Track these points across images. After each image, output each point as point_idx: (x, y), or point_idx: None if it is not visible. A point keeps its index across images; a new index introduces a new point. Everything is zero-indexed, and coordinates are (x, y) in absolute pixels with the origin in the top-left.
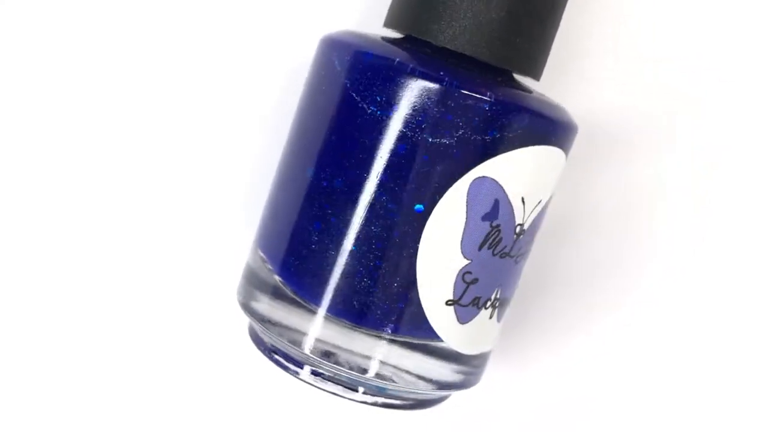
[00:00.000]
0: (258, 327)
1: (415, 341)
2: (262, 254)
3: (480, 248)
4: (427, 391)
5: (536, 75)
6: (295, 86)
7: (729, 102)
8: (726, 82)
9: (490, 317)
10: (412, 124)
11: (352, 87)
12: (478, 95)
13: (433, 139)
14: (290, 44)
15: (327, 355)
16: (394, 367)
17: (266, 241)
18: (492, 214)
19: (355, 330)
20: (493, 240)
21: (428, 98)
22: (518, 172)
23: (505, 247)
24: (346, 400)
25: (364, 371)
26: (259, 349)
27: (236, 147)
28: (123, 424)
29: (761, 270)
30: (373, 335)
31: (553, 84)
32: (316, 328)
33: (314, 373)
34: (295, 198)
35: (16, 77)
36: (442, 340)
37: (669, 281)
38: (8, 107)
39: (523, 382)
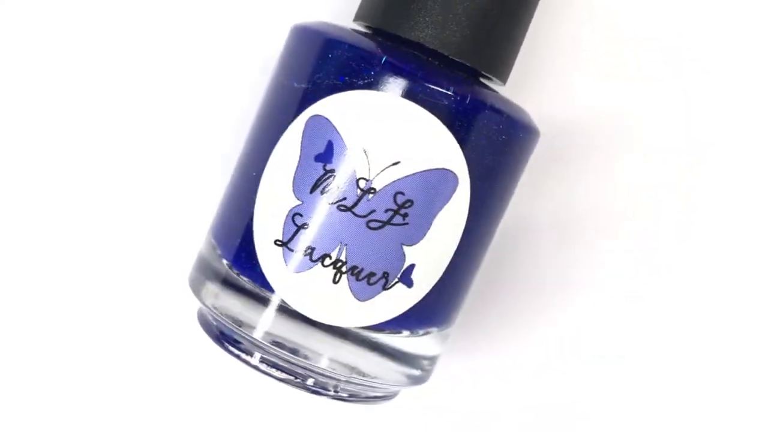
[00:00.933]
0: (208, 313)
1: (256, 291)
2: (213, 242)
3: (312, 191)
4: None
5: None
6: (266, 76)
7: (715, 96)
8: (711, 74)
9: (335, 281)
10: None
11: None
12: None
13: (297, 84)
14: (261, 36)
15: (277, 343)
16: (343, 364)
17: (217, 229)
18: (325, 156)
19: (308, 323)
20: (327, 185)
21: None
22: (357, 116)
23: (345, 199)
24: (296, 389)
25: (316, 362)
26: (209, 335)
27: (203, 133)
28: (73, 409)
29: (753, 266)
30: (325, 330)
31: (531, 86)
32: (268, 316)
33: (264, 360)
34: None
35: (12, 77)
36: (273, 291)
37: (659, 280)
38: (6, 107)
39: (510, 382)
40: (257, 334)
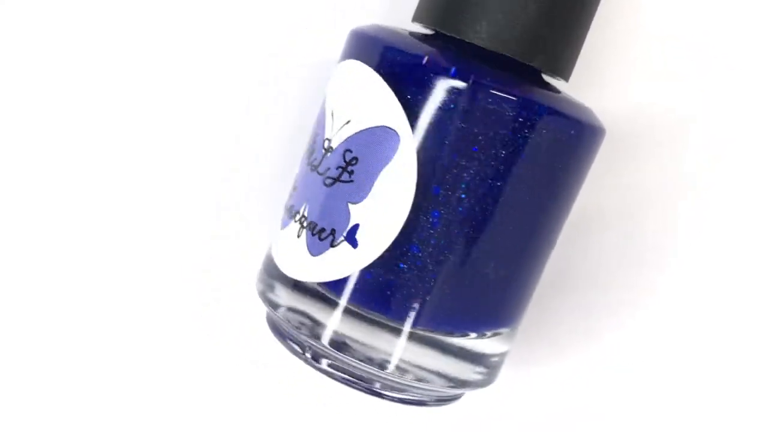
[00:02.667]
0: (275, 317)
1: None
2: None
3: (304, 157)
4: (443, 389)
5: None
6: (322, 80)
7: (737, 96)
8: (734, 73)
9: (298, 236)
10: None
11: None
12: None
13: None
14: (316, 39)
15: (344, 347)
16: (413, 364)
17: None
18: (317, 125)
19: (375, 325)
20: (311, 149)
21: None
22: (335, 83)
23: (315, 159)
24: (362, 393)
25: (383, 367)
26: (277, 338)
27: (266, 138)
28: (143, 415)
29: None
30: (391, 331)
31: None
32: (335, 319)
33: (332, 365)
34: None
35: (15, 77)
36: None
37: (677, 281)
38: (7, 107)
39: (525, 383)
40: (325, 338)
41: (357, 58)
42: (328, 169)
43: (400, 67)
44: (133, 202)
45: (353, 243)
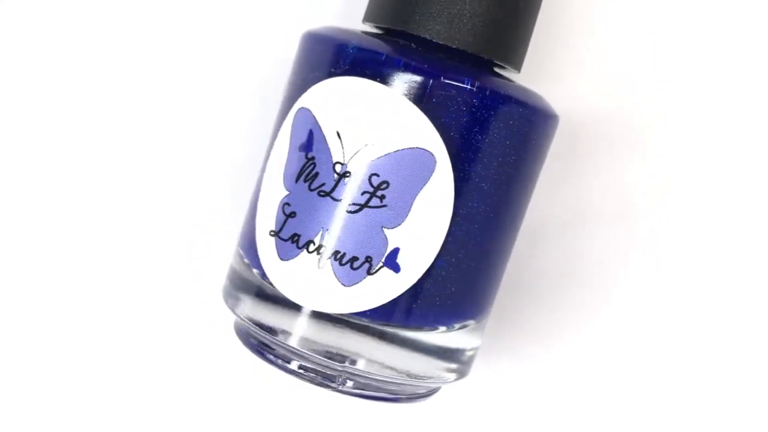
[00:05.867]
0: (244, 324)
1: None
2: (241, 252)
3: (297, 180)
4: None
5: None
6: (278, 84)
7: (722, 95)
8: (717, 72)
9: (319, 266)
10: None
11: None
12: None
13: (293, 83)
14: (270, 41)
15: (313, 348)
16: (380, 363)
17: (242, 238)
18: (307, 145)
19: (343, 326)
20: (309, 173)
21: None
22: (330, 101)
23: (323, 184)
24: (333, 392)
25: (353, 363)
26: (246, 345)
27: (222, 146)
28: (113, 423)
29: (760, 267)
30: (359, 332)
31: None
32: (302, 324)
33: (302, 366)
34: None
35: (14, 77)
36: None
37: (663, 280)
38: (8, 107)
39: (515, 380)
40: (293, 341)
41: (334, 67)
42: (350, 194)
43: (422, 88)
44: (132, 203)
45: (395, 268)
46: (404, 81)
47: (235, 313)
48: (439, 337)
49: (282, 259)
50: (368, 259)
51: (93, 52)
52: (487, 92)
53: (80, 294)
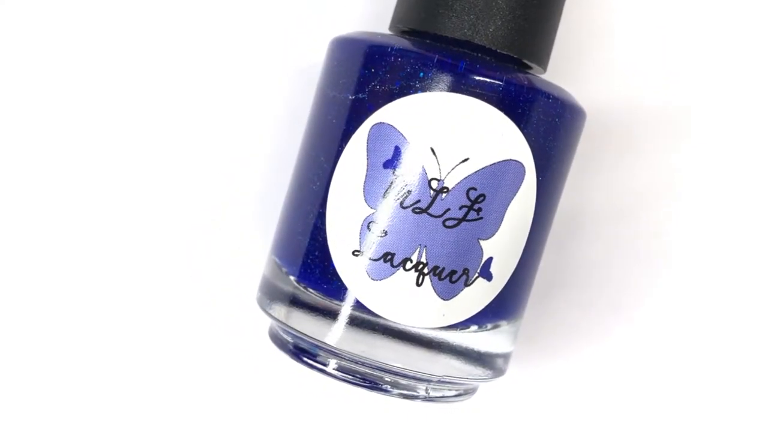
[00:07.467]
0: (280, 329)
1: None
2: (277, 261)
3: (384, 197)
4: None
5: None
6: (307, 91)
7: (725, 97)
8: (719, 73)
9: (419, 284)
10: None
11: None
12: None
13: (351, 95)
14: (297, 49)
15: (351, 355)
16: (420, 369)
17: (280, 247)
18: (393, 162)
19: (378, 331)
20: (399, 190)
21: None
22: (420, 119)
23: (419, 201)
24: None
25: (385, 369)
26: (282, 349)
27: (251, 154)
28: (113, 423)
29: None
30: (391, 338)
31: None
32: (338, 330)
33: (341, 368)
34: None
35: (16, 77)
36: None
37: (675, 282)
38: (8, 107)
39: (523, 382)
40: (331, 344)
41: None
42: (448, 210)
43: (514, 101)
44: (132, 203)
45: (488, 276)
46: (495, 93)
47: (273, 319)
48: (475, 337)
49: (374, 280)
50: (465, 271)
51: (100, 56)
52: (560, 102)
53: (80, 294)
